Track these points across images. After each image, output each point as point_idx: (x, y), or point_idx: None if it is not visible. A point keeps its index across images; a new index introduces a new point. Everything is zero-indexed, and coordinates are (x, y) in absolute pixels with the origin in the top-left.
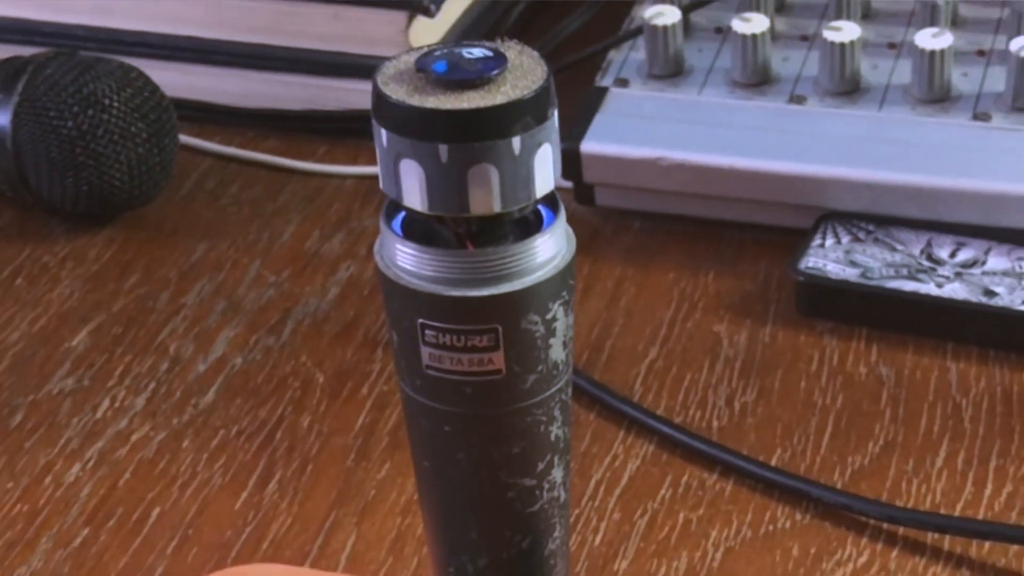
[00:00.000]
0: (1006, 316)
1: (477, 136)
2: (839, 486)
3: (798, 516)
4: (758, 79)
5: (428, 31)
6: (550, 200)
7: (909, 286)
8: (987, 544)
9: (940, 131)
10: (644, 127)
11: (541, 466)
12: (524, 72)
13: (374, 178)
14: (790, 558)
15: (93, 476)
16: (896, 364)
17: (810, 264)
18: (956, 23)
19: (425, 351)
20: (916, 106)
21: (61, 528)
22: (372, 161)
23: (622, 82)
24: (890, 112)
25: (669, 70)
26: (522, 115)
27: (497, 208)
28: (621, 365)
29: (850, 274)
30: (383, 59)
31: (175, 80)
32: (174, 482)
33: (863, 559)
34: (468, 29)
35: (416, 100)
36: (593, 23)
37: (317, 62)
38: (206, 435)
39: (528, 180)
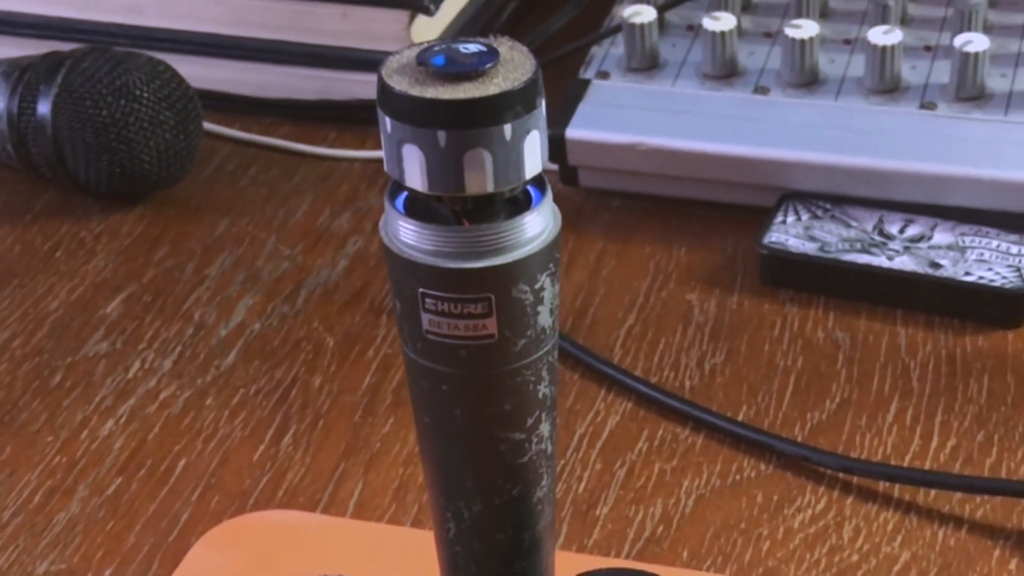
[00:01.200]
0: (950, 286)
1: (472, 123)
2: (799, 439)
3: (762, 467)
4: (726, 72)
5: (428, 28)
6: (538, 181)
7: (863, 259)
8: (933, 492)
9: (890, 119)
10: (623, 115)
11: (530, 421)
12: (515, 65)
13: (379, 161)
14: (755, 505)
15: (125, 431)
16: (851, 329)
17: (773, 239)
18: (905, 21)
19: (425, 317)
20: (869, 96)
21: (96, 477)
22: (377, 146)
23: (603, 75)
24: (845, 102)
25: (646, 64)
26: (513, 104)
27: (490, 188)
28: (602, 330)
29: (809, 248)
30: (387, 54)
31: (199, 73)
32: (198, 436)
33: (821, 505)
34: (464, 26)
35: (417, 91)
36: (577, 21)
37: (327, 56)
38: (227, 394)
39: (518, 163)
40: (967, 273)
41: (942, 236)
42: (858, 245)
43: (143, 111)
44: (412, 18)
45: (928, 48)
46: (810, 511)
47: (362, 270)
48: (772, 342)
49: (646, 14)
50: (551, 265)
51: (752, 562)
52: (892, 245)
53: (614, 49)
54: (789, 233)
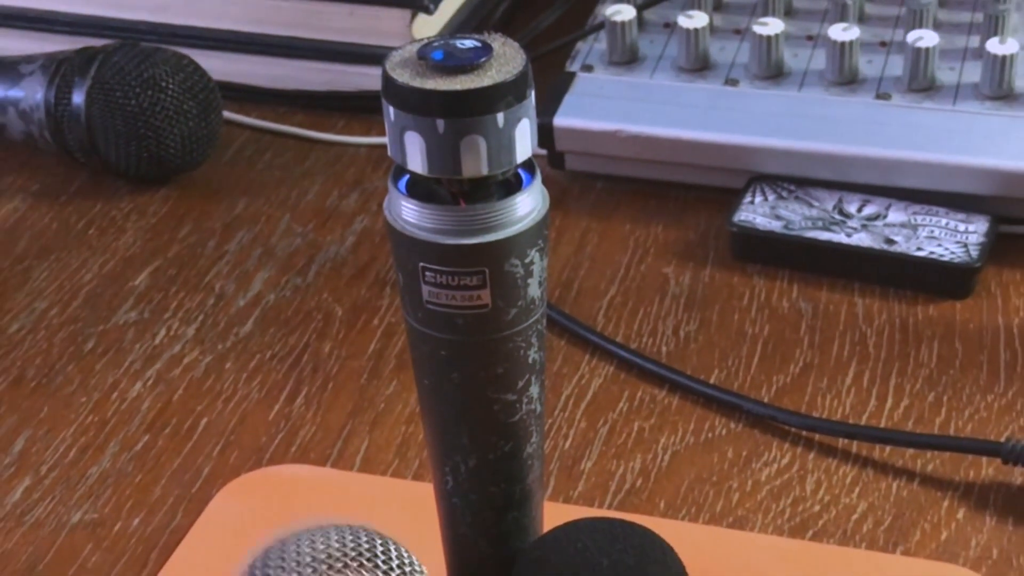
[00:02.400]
0: (903, 260)
1: (468, 112)
2: (766, 400)
3: (732, 425)
4: (699, 65)
5: (428, 26)
6: (528, 165)
7: (824, 236)
8: (888, 448)
9: (849, 108)
10: (606, 105)
11: (520, 384)
12: (507, 60)
13: (383, 147)
14: (726, 460)
15: (152, 392)
16: (813, 300)
17: (742, 218)
18: (862, 19)
19: (425, 289)
20: (829, 88)
21: (126, 435)
22: (382, 133)
23: (587, 68)
24: (808, 93)
25: (626, 58)
26: (505, 95)
27: (485, 171)
28: (587, 300)
29: (775, 226)
30: (390, 49)
31: (220, 66)
32: (219, 397)
33: (785, 460)
34: (461, 24)
35: (418, 82)
36: (563, 19)
37: (336, 51)
38: (245, 358)
39: (510, 148)
40: (919, 249)
41: (896, 215)
42: (819, 223)
43: (168, 101)
44: (413, 16)
45: (883, 44)
46: (776, 465)
47: (368, 246)
48: (741, 311)
49: (626, 12)
50: (540, 241)
51: (723, 512)
52: (850, 223)
53: (597, 45)
54: (757, 212)
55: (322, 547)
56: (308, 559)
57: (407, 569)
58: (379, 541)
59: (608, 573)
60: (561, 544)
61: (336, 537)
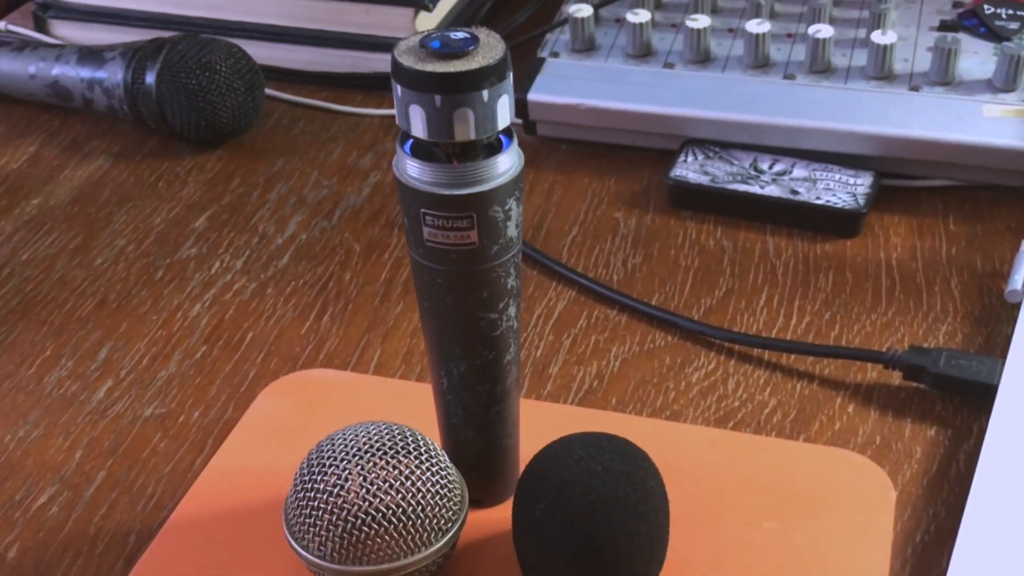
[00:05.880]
0: (805, 207)
1: (459, 90)
2: (696, 318)
3: (669, 338)
4: (643, 52)
5: (427, 21)
6: (507, 131)
7: (742, 188)
8: (793, 356)
9: (762, 86)
10: (569, 84)
11: (501, 305)
12: (490, 48)
13: (392, 117)
14: (664, 365)
15: (209, 312)
16: (733, 239)
17: (677, 173)
18: (773, 15)
19: (425, 230)
20: (746, 70)
21: (188, 346)
22: (391, 106)
23: (555, 54)
24: (729, 74)
25: (585, 47)
26: (489, 76)
27: (473, 137)
28: (553, 239)
29: (703, 180)
30: (398, 39)
31: (263, 53)
32: (262, 316)
33: (712, 366)
34: (454, 19)
35: (420, 66)
36: (535, 16)
37: (355, 41)
38: (283, 285)
39: (493, 118)
40: (817, 198)
41: (800, 171)
42: (739, 177)
43: (222, 80)
44: (416, 13)
45: (789, 35)
46: (704, 370)
47: (380, 196)
48: (676, 248)
49: (586, 10)
50: (517, 192)
51: (662, 407)
52: (763, 178)
53: (562, 36)
54: (689, 169)
55: (364, 439)
56: (354, 450)
57: (433, 455)
58: (409, 434)
59: (604, 478)
60: (561, 456)
61: (375, 431)
